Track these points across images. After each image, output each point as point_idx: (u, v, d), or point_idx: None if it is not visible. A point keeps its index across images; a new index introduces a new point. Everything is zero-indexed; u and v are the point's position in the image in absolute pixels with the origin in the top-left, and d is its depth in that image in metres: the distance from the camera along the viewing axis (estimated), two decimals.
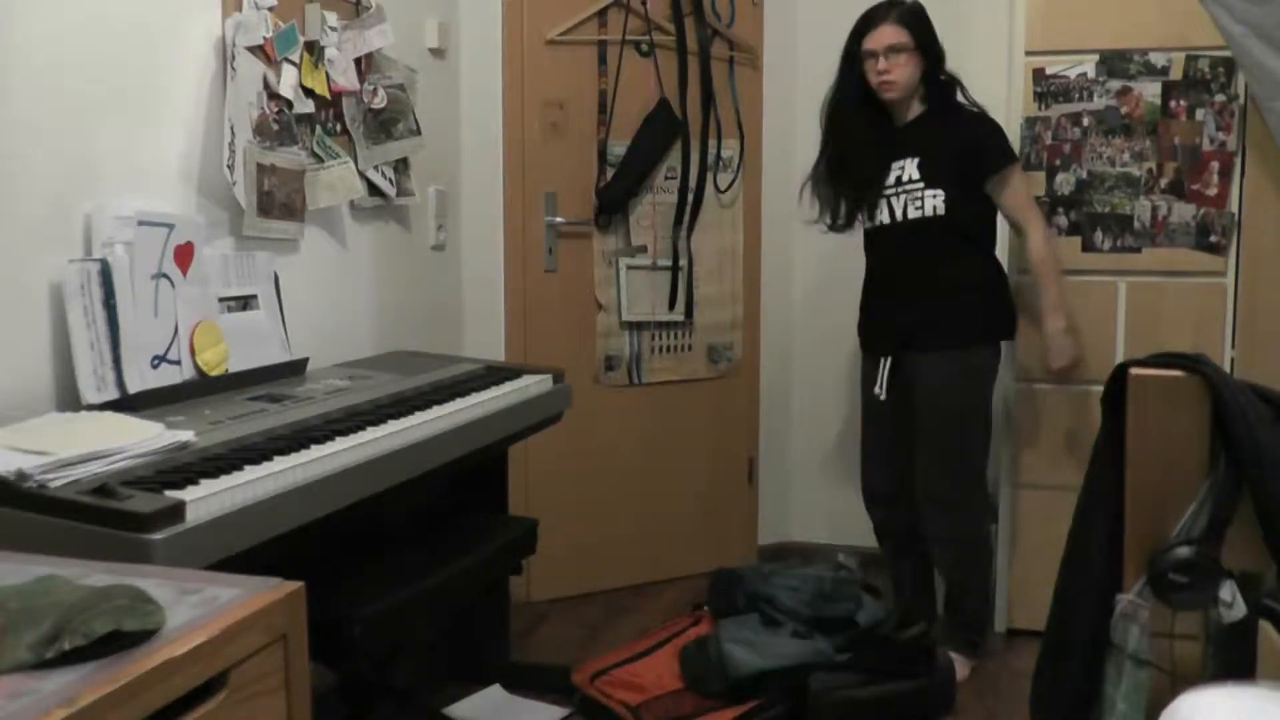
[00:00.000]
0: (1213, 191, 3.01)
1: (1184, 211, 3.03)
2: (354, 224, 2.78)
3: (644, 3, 3.40)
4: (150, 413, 1.85)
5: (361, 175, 2.70)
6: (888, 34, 2.83)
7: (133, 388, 1.93)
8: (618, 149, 3.42)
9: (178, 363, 2.09)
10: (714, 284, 3.63)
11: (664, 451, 3.62)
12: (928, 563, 3.12)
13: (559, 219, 3.40)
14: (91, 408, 1.85)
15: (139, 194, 2.06)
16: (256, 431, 1.85)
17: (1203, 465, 1.73)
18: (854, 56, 2.89)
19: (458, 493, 2.63)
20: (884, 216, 2.91)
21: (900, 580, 3.16)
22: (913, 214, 2.86)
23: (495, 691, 2.77)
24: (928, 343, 2.88)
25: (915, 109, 2.91)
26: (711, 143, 3.55)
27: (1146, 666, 1.75)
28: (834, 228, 3.04)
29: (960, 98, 2.92)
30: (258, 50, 2.34)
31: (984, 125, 2.88)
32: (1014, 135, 3.02)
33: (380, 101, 2.73)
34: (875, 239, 2.98)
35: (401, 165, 2.87)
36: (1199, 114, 3.00)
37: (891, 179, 2.89)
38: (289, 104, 2.44)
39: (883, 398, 2.96)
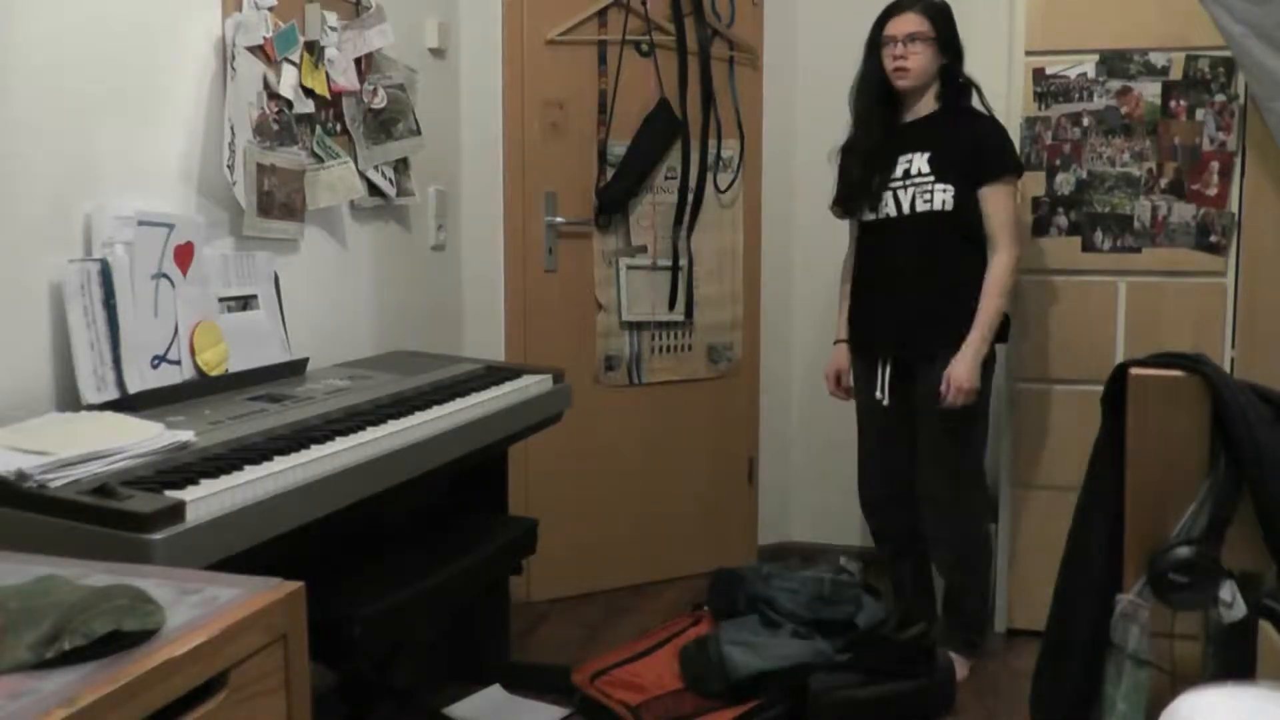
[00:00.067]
0: (1213, 191, 3.01)
1: (1184, 211, 3.03)
2: (354, 224, 2.78)
3: (644, 3, 3.40)
4: (150, 413, 1.85)
5: (361, 175, 2.70)
6: (909, 21, 2.84)
7: (133, 388, 1.93)
8: (618, 149, 3.42)
9: (178, 363, 2.09)
10: (714, 284, 3.63)
11: (664, 451, 3.62)
12: (927, 563, 3.12)
13: (559, 219, 3.40)
14: (91, 408, 1.85)
15: (139, 194, 2.06)
16: (256, 431, 1.85)
17: (1203, 465, 1.74)
18: (876, 44, 2.90)
19: (458, 493, 2.64)
20: (889, 209, 2.90)
21: (900, 581, 3.15)
22: (921, 207, 2.85)
23: (495, 691, 2.77)
24: (927, 344, 2.87)
25: (929, 105, 2.90)
26: (711, 143, 3.55)
27: (1146, 666, 1.75)
28: (839, 203, 3.01)
29: (976, 102, 2.92)
30: (258, 50, 2.34)
31: (994, 131, 2.88)
32: (1014, 135, 3.02)
33: (380, 101, 2.73)
34: (877, 232, 2.95)
35: (401, 165, 2.87)
36: (1199, 114, 3.00)
37: (899, 171, 2.88)
38: (289, 104, 2.44)
39: (885, 403, 2.95)
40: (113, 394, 1.90)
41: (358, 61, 2.66)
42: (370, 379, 2.35)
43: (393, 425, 2.00)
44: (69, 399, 1.88)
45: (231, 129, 2.25)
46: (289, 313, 2.45)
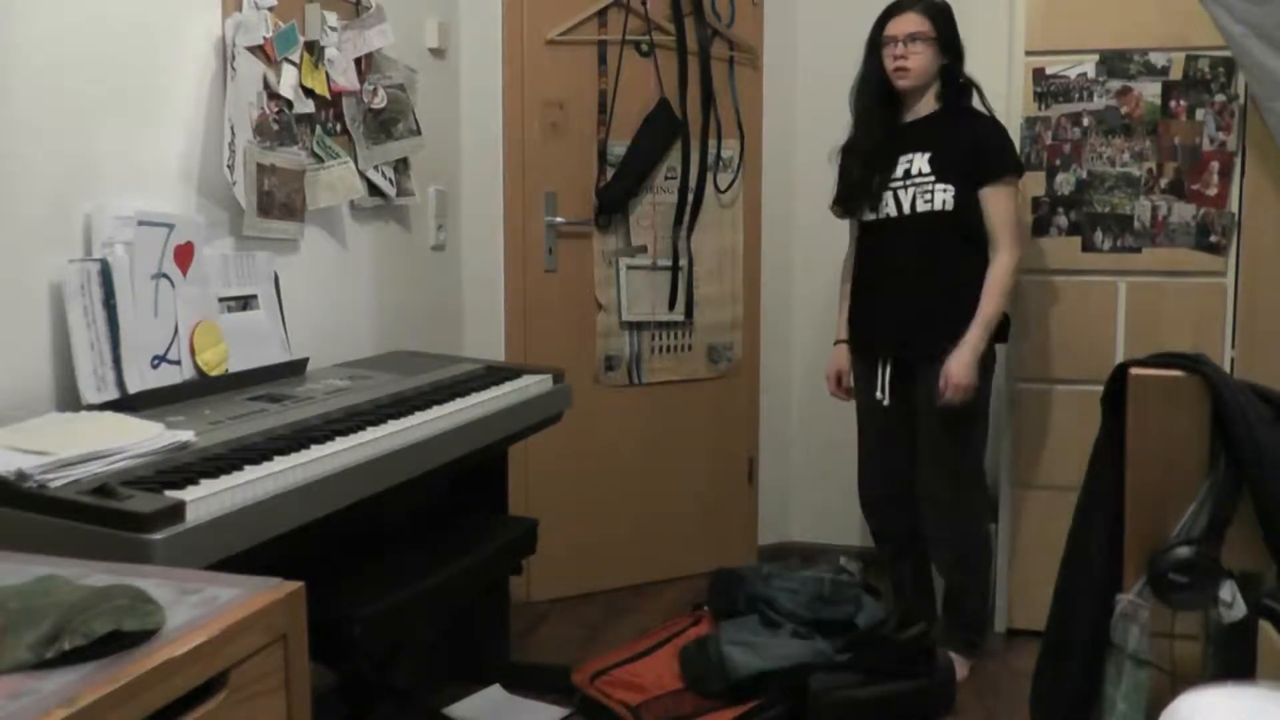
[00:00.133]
0: (1213, 191, 3.01)
1: (1184, 211, 3.03)
2: (354, 224, 2.78)
3: (644, 3, 3.40)
4: (150, 413, 1.85)
5: (361, 175, 2.70)
6: (909, 21, 2.84)
7: (133, 388, 1.93)
8: (618, 149, 3.42)
9: (178, 363, 2.09)
10: (714, 284, 3.63)
11: (664, 451, 3.62)
12: (927, 563, 3.11)
13: (559, 219, 3.40)
14: (91, 408, 1.85)
15: (139, 194, 2.06)
16: (256, 431, 1.85)
17: (1203, 465, 1.74)
18: (876, 45, 2.90)
19: (458, 493, 2.64)
20: (889, 209, 2.90)
21: (900, 581, 3.15)
22: (921, 207, 2.85)
23: (495, 691, 2.77)
24: (928, 344, 2.87)
25: (929, 105, 2.91)
26: (711, 143, 3.55)
27: (1146, 666, 1.75)
28: (839, 202, 3.01)
29: (977, 103, 2.92)
30: (258, 50, 2.34)
31: (994, 131, 2.88)
32: (1014, 135, 3.02)
33: (380, 101, 2.73)
34: (877, 232, 2.95)
35: (401, 165, 2.87)
36: (1199, 114, 3.00)
37: (899, 171, 2.88)
38: (289, 104, 2.44)
39: (886, 403, 2.95)
40: (113, 394, 1.90)
41: (358, 61, 2.66)
42: (370, 379, 2.35)
43: (393, 425, 2.00)
44: (69, 399, 1.88)
45: (231, 129, 2.25)
46: (289, 313, 2.45)
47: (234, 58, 2.26)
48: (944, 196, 2.83)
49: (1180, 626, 1.76)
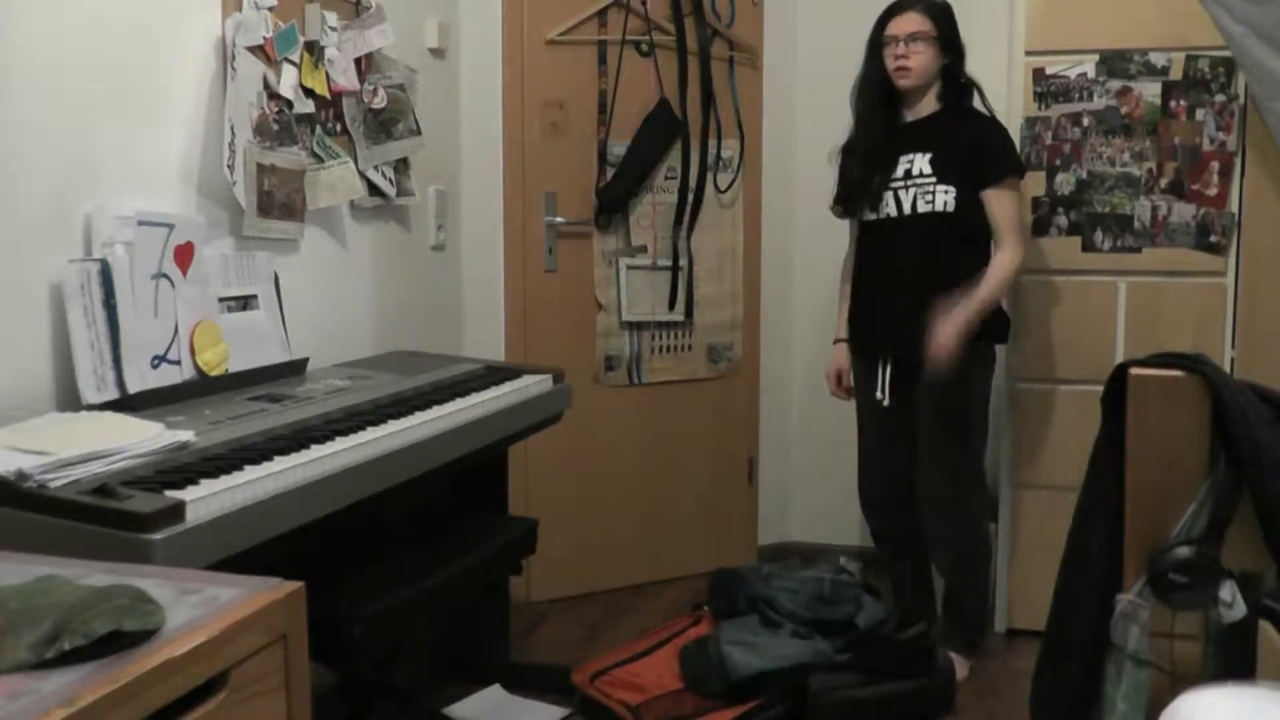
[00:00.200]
0: (1213, 191, 3.01)
1: (1184, 211, 3.03)
2: (354, 224, 2.78)
3: (644, 3, 3.40)
4: (150, 413, 1.85)
5: (361, 175, 2.70)
6: (910, 21, 2.84)
7: (133, 388, 1.93)
8: (618, 149, 3.42)
9: (178, 363, 2.09)
10: (714, 284, 3.63)
11: (664, 451, 3.62)
12: (927, 563, 3.11)
13: (559, 219, 3.40)
14: (91, 408, 1.85)
15: (139, 194, 2.06)
16: (256, 431, 1.85)
17: (1203, 465, 1.73)
18: (877, 45, 2.90)
19: (458, 493, 2.63)
20: (890, 209, 2.90)
21: (900, 581, 3.15)
22: (922, 208, 2.85)
23: (495, 691, 2.77)
24: (927, 346, 2.87)
25: (930, 105, 2.90)
26: (711, 143, 3.55)
27: (1146, 666, 1.75)
28: (840, 202, 3.01)
29: (978, 103, 2.92)
30: (258, 50, 2.34)
31: (995, 131, 2.87)
32: (1014, 135, 3.01)
33: (380, 101, 2.73)
34: (877, 232, 2.95)
35: (401, 165, 2.87)
36: (1199, 114, 3.00)
37: (900, 171, 2.88)
38: (289, 104, 2.44)
39: (886, 403, 2.95)
40: (113, 394, 1.90)
41: (358, 61, 2.66)
42: (370, 379, 2.35)
43: (393, 425, 2.00)
44: (69, 399, 1.88)
45: (231, 129, 2.25)
46: (289, 313, 2.45)
47: (234, 58, 2.26)
48: (945, 198, 2.83)
49: (1180, 626, 1.76)
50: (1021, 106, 3.10)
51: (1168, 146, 3.03)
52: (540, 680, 2.82)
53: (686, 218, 3.51)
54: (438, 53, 3.14)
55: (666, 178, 3.50)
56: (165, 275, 2.08)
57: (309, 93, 2.50)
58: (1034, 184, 3.09)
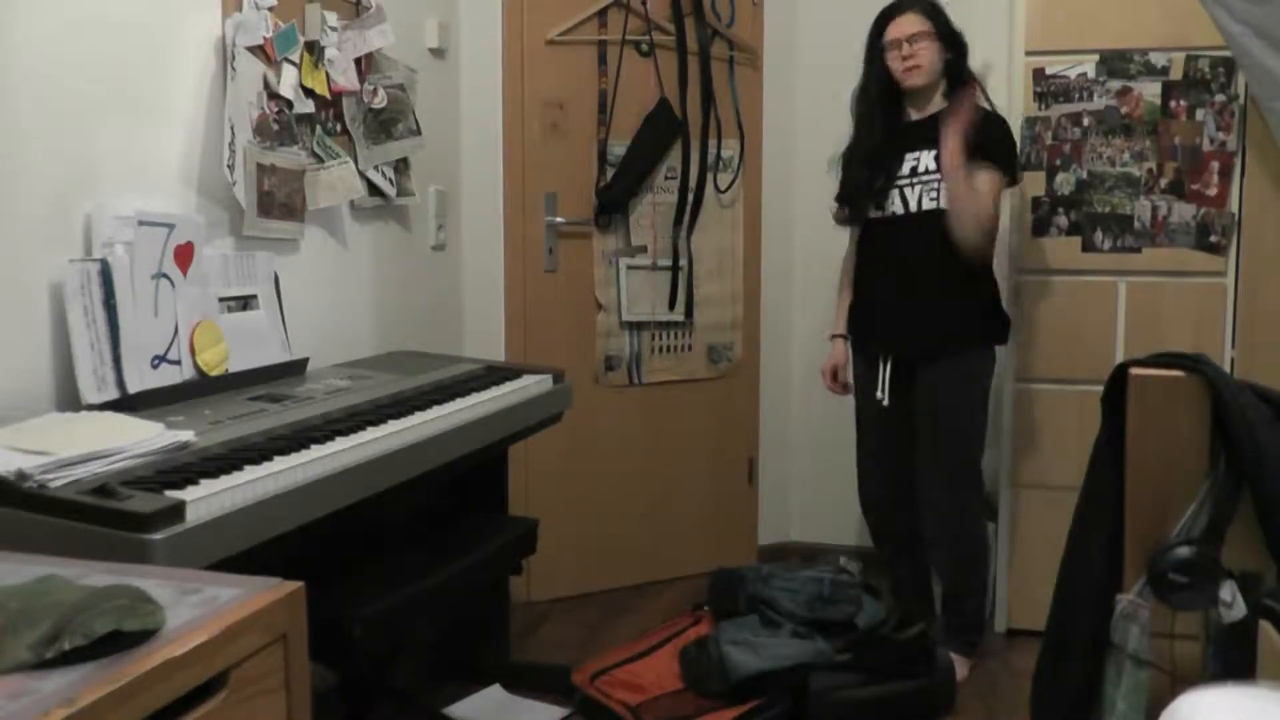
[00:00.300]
0: (1213, 191, 3.01)
1: (1184, 211, 3.03)
2: (354, 224, 2.78)
3: (644, 3, 3.40)
4: (150, 413, 1.85)
5: (361, 175, 2.70)
6: (910, 22, 2.85)
7: (133, 388, 1.93)
8: (618, 149, 3.42)
9: (178, 363, 2.09)
10: (714, 284, 3.63)
11: (664, 451, 3.62)
12: (926, 563, 3.11)
13: (559, 219, 3.40)
14: (91, 408, 1.85)
15: (139, 194, 2.06)
16: (256, 431, 1.85)
17: (1203, 465, 1.74)
18: (876, 50, 2.90)
19: (458, 493, 2.63)
20: (896, 207, 2.89)
21: (899, 581, 3.15)
22: (928, 205, 2.85)
23: (495, 691, 2.77)
24: (928, 344, 2.87)
25: (936, 103, 2.90)
26: (711, 143, 3.55)
27: (1146, 666, 1.75)
28: (843, 206, 3.00)
29: (982, 100, 2.92)
30: (258, 50, 2.34)
31: (997, 127, 2.87)
32: (1014, 135, 3.01)
33: (380, 101, 2.73)
34: (882, 230, 2.95)
35: (401, 165, 2.87)
36: (1199, 114, 3.00)
37: (906, 169, 2.88)
38: (289, 104, 2.44)
39: (885, 403, 2.95)
40: (113, 394, 1.90)
41: (358, 61, 2.66)
42: (370, 379, 2.35)
43: (393, 425, 2.00)
44: (69, 399, 1.88)
45: (231, 129, 2.25)
46: (289, 313, 2.45)
47: (234, 58, 2.26)
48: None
49: (1180, 626, 1.76)
50: (1021, 106, 3.10)
51: (1168, 146, 3.03)
52: (540, 680, 2.82)
53: (686, 218, 3.51)
54: (438, 53, 3.14)
55: (666, 178, 3.50)
56: (165, 275, 2.08)
57: (309, 93, 2.50)
58: (1034, 184, 3.09)
